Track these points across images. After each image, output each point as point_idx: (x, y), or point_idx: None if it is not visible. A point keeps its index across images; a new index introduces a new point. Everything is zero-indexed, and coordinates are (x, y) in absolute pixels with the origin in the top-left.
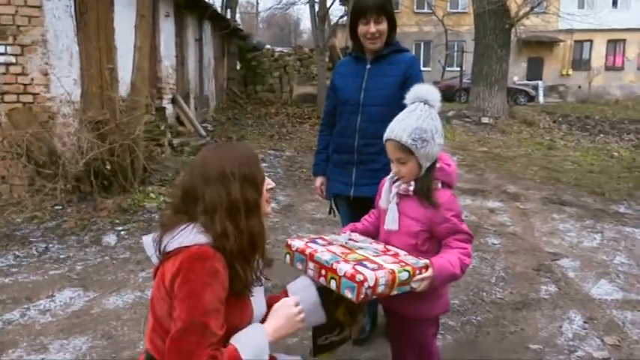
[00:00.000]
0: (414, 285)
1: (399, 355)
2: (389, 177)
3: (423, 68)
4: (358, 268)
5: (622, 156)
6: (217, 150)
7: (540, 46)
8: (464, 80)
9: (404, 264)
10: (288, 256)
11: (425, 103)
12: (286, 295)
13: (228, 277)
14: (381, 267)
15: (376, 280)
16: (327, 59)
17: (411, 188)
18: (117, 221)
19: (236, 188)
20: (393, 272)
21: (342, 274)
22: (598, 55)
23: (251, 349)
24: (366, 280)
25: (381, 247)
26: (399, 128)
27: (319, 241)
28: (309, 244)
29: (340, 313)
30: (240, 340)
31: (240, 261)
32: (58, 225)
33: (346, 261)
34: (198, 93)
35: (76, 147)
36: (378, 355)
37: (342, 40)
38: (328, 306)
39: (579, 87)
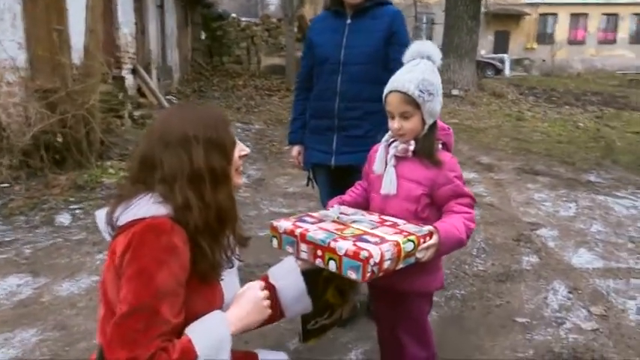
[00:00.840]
0: (419, 255)
1: (389, 336)
2: (383, 140)
3: None
4: (360, 244)
5: (587, 127)
6: (179, 111)
7: (507, 19)
8: None
9: (407, 233)
10: (274, 240)
11: (428, 59)
12: (266, 280)
13: (191, 255)
14: (383, 240)
15: (382, 255)
16: (295, 30)
17: (411, 148)
18: (71, 199)
19: (199, 154)
20: (397, 244)
21: (342, 252)
22: (561, 28)
23: (208, 342)
24: (371, 256)
25: (376, 217)
26: (405, 79)
27: (307, 219)
28: (298, 224)
29: (330, 294)
30: (197, 331)
31: (207, 237)
32: (4, 204)
33: (344, 237)
34: (161, 63)
35: (23, 118)
36: (362, 336)
37: (310, 10)
38: (317, 288)
39: (543, 60)
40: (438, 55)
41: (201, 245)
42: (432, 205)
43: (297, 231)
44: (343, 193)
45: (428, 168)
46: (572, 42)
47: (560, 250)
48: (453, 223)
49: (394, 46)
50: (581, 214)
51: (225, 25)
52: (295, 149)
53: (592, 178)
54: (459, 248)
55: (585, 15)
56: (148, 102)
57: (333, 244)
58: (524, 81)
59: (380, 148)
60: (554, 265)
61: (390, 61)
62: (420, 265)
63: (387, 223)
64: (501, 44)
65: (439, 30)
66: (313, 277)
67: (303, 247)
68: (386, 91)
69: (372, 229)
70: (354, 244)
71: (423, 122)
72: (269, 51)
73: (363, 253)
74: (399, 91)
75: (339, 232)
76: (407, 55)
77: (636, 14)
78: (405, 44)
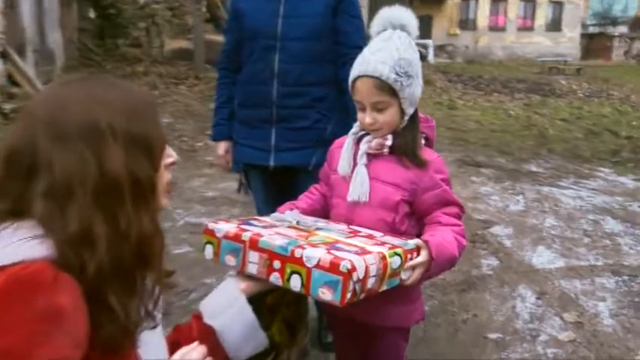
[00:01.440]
0: (403, 276)
1: None
2: (351, 133)
3: None
4: (337, 253)
5: (518, 115)
6: (83, 86)
7: (430, 1)
8: None
9: (391, 246)
10: (209, 248)
11: (401, 30)
12: (198, 320)
13: (90, 316)
14: (364, 250)
15: (366, 269)
16: (204, 9)
17: (388, 143)
18: None
19: (116, 155)
20: (383, 257)
21: (313, 263)
22: (482, 14)
23: None
24: (354, 268)
25: (344, 227)
26: (376, 60)
27: (255, 223)
28: (243, 226)
29: (276, 329)
30: None
31: (116, 287)
32: None
33: (312, 245)
34: (39, 46)
35: None
36: None
37: None
38: (261, 319)
39: (467, 47)
40: (413, 24)
41: (106, 300)
42: (411, 215)
43: (245, 235)
44: (285, 199)
45: (409, 168)
46: (493, 28)
47: (519, 249)
48: (443, 237)
49: (343, 15)
50: (532, 208)
51: (118, 2)
52: (222, 146)
53: (533, 168)
54: (450, 267)
55: (505, 1)
56: (23, 92)
57: (298, 252)
58: (449, 68)
59: (346, 143)
60: (515, 268)
61: (339, 34)
62: (397, 291)
63: (362, 234)
64: (424, 29)
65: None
66: (256, 304)
67: (253, 256)
68: (352, 76)
69: (345, 237)
70: (329, 252)
71: (402, 112)
72: (174, 33)
73: (344, 264)
74: (369, 76)
75: (303, 239)
76: (374, 25)
77: (552, 1)
78: (357, 15)
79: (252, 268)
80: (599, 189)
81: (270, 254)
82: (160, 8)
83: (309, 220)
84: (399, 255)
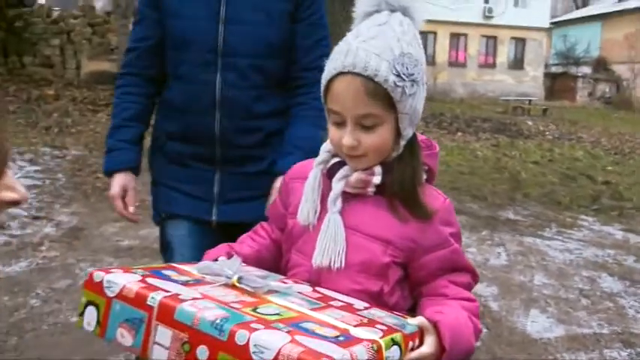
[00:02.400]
0: None
1: None
2: (317, 162)
3: None
4: (305, 340)
5: (486, 156)
6: None
7: None
8: None
9: (386, 328)
10: (91, 312)
11: (403, 14)
12: None
13: None
14: (348, 336)
15: None
16: (131, 26)
17: (375, 180)
18: None
19: None
20: (378, 348)
21: (266, 358)
22: (442, 49)
23: None
24: None
25: (308, 289)
26: (367, 51)
27: (172, 274)
28: (151, 281)
29: None
30: None
31: None
32: None
33: (265, 323)
34: None
35: None
36: None
37: None
38: None
39: (425, 83)
40: (419, 7)
41: None
42: (404, 282)
43: (154, 297)
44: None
45: (405, 220)
46: (453, 64)
47: (508, 313)
48: (457, 317)
49: (303, 23)
50: (516, 263)
51: (27, 14)
52: (117, 182)
53: (510, 215)
54: None
55: (465, 35)
56: None
57: (242, 336)
58: None
59: (311, 176)
60: (507, 337)
61: (298, 48)
62: None
63: (336, 304)
64: None
65: None
66: None
67: (163, 334)
68: (327, 73)
69: (313, 309)
70: (295, 342)
71: (398, 134)
72: (94, 53)
73: None
74: (357, 75)
75: (249, 312)
76: (362, 3)
77: (514, 38)
78: (323, 24)
79: (161, 355)
80: (586, 240)
81: (193, 334)
82: (77, 23)
83: (257, 275)
84: (397, 344)
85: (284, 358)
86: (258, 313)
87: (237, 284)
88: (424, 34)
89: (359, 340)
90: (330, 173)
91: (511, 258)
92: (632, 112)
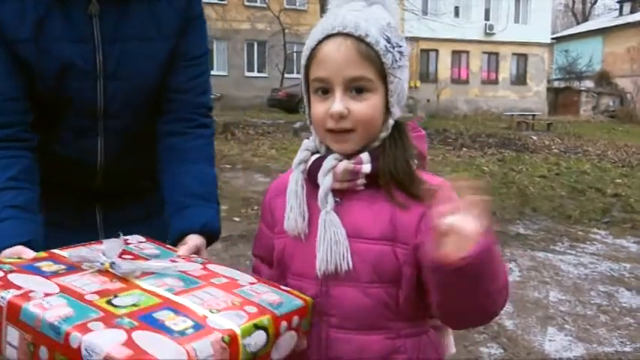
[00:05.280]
0: (275, 356)
1: None
2: (296, 162)
3: (257, 74)
4: (139, 339)
5: (493, 171)
6: None
7: None
8: None
9: (255, 310)
10: None
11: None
12: None
13: None
14: (200, 323)
15: None
16: None
17: (365, 169)
18: None
19: None
20: (233, 338)
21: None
22: (444, 66)
23: None
24: None
25: (195, 266)
26: (356, 16)
27: (44, 264)
28: (12, 277)
29: None
30: None
31: None
32: None
33: (109, 318)
34: None
35: None
36: None
37: None
38: None
39: (428, 100)
40: (393, 2)
41: None
42: (419, 289)
43: (3, 296)
44: None
45: (405, 206)
46: (456, 81)
47: (524, 332)
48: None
49: (186, 42)
50: (529, 279)
51: None
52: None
53: (521, 230)
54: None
55: (467, 53)
56: None
57: (75, 338)
58: None
59: (291, 180)
60: (525, 358)
61: (173, 73)
62: None
63: (218, 281)
64: None
65: None
66: None
67: (12, 333)
68: (313, 39)
69: (179, 293)
70: (129, 342)
71: (388, 110)
72: None
73: None
74: (348, 35)
75: (103, 304)
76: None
77: (516, 54)
78: (204, 41)
79: (12, 354)
80: (600, 254)
81: (36, 335)
82: None
83: (135, 248)
84: (263, 328)
85: (109, 358)
86: (111, 304)
87: (111, 268)
88: (426, 52)
89: (209, 331)
90: (311, 175)
91: (524, 274)
92: (637, 125)
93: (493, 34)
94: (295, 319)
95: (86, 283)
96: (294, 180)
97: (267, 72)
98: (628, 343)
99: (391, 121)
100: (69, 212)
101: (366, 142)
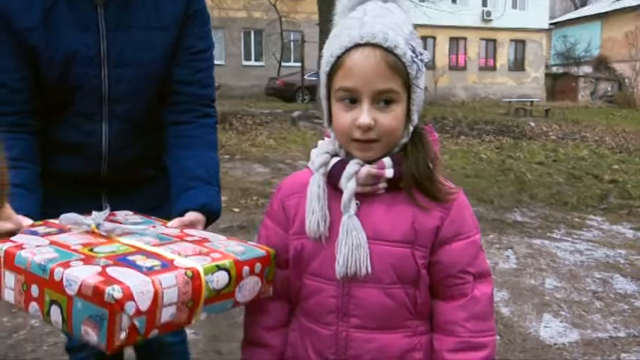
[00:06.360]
0: (239, 297)
1: None
2: (316, 164)
3: (255, 62)
4: (111, 271)
5: (490, 158)
6: None
7: None
8: (306, 77)
9: (219, 256)
10: None
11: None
12: None
13: None
14: (168, 264)
15: (155, 294)
16: None
17: (388, 174)
18: None
19: None
20: (195, 274)
21: (74, 288)
22: (441, 53)
23: None
24: (129, 296)
25: (173, 231)
26: (383, 25)
27: (39, 228)
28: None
29: None
30: None
31: None
32: None
33: (89, 259)
34: None
35: None
36: None
37: None
38: None
39: (426, 88)
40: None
41: None
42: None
43: (1, 247)
44: None
45: (426, 208)
46: (454, 68)
47: (520, 319)
48: None
49: (191, 35)
50: (526, 266)
51: None
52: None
53: (518, 217)
54: None
55: (464, 39)
56: None
57: (58, 273)
58: None
59: (312, 183)
60: (521, 344)
61: (180, 65)
62: None
63: (190, 238)
64: None
65: (310, 50)
66: None
67: (9, 277)
68: (340, 46)
69: (155, 245)
70: (102, 273)
71: (409, 118)
72: None
73: (111, 291)
74: (376, 46)
75: (85, 251)
76: None
77: (514, 40)
78: (209, 34)
79: (10, 296)
80: (596, 240)
81: (27, 275)
82: None
83: (133, 218)
84: (225, 269)
85: (85, 287)
86: (93, 251)
87: (97, 229)
88: (423, 39)
89: (175, 268)
90: (331, 178)
91: (520, 261)
92: (635, 110)
93: (491, 20)
94: (258, 265)
95: (73, 239)
96: (316, 183)
97: (264, 61)
98: (622, 328)
99: (411, 128)
100: (76, 204)
101: (388, 149)
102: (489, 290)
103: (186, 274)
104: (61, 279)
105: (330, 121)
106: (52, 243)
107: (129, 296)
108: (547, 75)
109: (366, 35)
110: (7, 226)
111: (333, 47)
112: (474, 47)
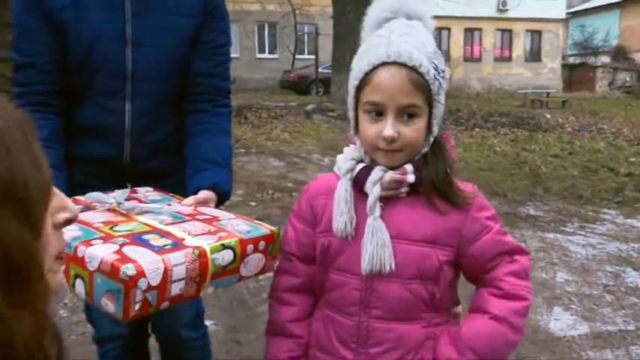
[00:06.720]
0: (244, 271)
1: None
2: (344, 169)
3: (269, 55)
4: (128, 251)
5: (505, 151)
6: None
7: None
8: (320, 70)
9: (225, 234)
10: None
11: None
12: None
13: None
14: (178, 242)
15: (165, 271)
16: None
17: (410, 179)
18: None
19: None
20: (202, 253)
21: (94, 265)
22: (456, 44)
23: None
24: (141, 274)
25: (187, 209)
26: (409, 44)
27: None
28: None
29: None
30: None
31: None
32: None
33: (108, 238)
34: None
35: None
36: None
37: None
38: None
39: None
40: (430, 18)
41: None
42: (453, 284)
43: None
44: None
45: (446, 213)
46: (469, 59)
47: (531, 312)
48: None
49: (212, 30)
50: (538, 260)
51: None
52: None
53: (531, 211)
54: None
55: (479, 30)
56: None
57: (81, 250)
58: None
59: (340, 187)
60: (530, 336)
61: (201, 58)
62: None
63: (202, 217)
64: None
65: (324, 42)
66: None
67: None
68: (368, 64)
69: (169, 224)
70: (119, 252)
71: (430, 130)
72: None
73: (126, 269)
74: (402, 65)
75: (106, 229)
76: (376, 10)
77: (530, 30)
78: (227, 29)
79: None
80: (609, 234)
81: None
82: None
83: (152, 196)
84: (230, 247)
85: (104, 265)
86: (113, 230)
87: (118, 207)
88: (438, 30)
89: (184, 247)
90: (357, 182)
91: (533, 255)
92: None
93: (506, 10)
94: (262, 243)
95: (96, 217)
96: (344, 187)
97: (278, 53)
98: (632, 321)
99: (431, 139)
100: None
101: (410, 157)
102: (526, 259)
103: (193, 252)
104: (84, 256)
105: (356, 129)
106: (78, 222)
107: (142, 274)
108: (564, 65)
109: (392, 54)
110: (64, 215)
111: (361, 63)
112: (490, 38)
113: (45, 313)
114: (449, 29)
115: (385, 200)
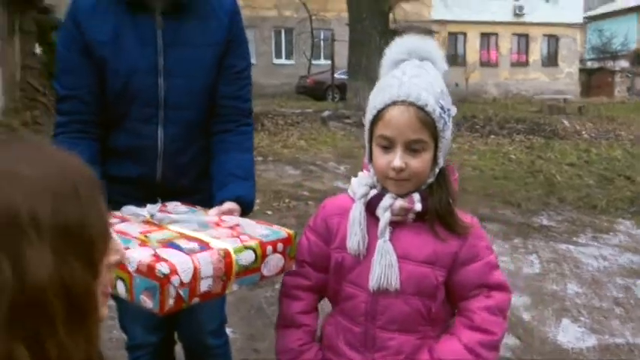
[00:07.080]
0: (265, 271)
1: None
2: (358, 194)
3: (285, 61)
4: (161, 252)
5: (520, 159)
6: None
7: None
8: (336, 75)
9: (247, 238)
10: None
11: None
12: None
13: None
14: (204, 247)
15: (195, 270)
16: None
17: (417, 207)
18: None
19: (41, 258)
20: (227, 254)
21: (133, 267)
22: (472, 49)
23: None
24: (174, 272)
25: (213, 218)
26: (418, 86)
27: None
28: None
29: None
30: None
31: None
32: None
33: (144, 244)
34: None
35: None
36: None
37: None
38: None
39: (456, 84)
40: (442, 60)
41: None
42: (446, 300)
43: None
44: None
45: (446, 240)
46: (485, 64)
47: (540, 324)
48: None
49: (233, 56)
50: (549, 271)
51: None
52: None
53: (544, 221)
54: None
55: (496, 35)
56: None
57: None
58: None
59: (354, 210)
60: (538, 348)
61: (224, 83)
62: None
63: (225, 224)
64: None
65: (340, 48)
66: None
67: None
68: (381, 102)
69: (196, 231)
70: (154, 255)
71: (435, 162)
72: None
73: (161, 269)
74: (411, 104)
75: (142, 237)
76: (393, 53)
77: (547, 35)
78: (247, 54)
79: None
80: (622, 245)
81: None
82: None
83: (180, 209)
84: (252, 249)
85: (142, 266)
86: (147, 237)
87: (152, 219)
88: (454, 35)
89: (210, 249)
90: (369, 206)
91: (544, 266)
92: None
93: (523, 15)
94: (280, 245)
95: (133, 227)
96: (358, 210)
97: (294, 59)
98: None
99: (437, 170)
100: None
101: (417, 186)
102: (505, 297)
103: (219, 253)
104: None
105: (370, 158)
106: (115, 232)
107: (174, 272)
108: (581, 70)
109: (402, 94)
110: (115, 257)
111: (376, 101)
112: (506, 43)
113: (96, 337)
114: (465, 34)
115: (394, 224)
